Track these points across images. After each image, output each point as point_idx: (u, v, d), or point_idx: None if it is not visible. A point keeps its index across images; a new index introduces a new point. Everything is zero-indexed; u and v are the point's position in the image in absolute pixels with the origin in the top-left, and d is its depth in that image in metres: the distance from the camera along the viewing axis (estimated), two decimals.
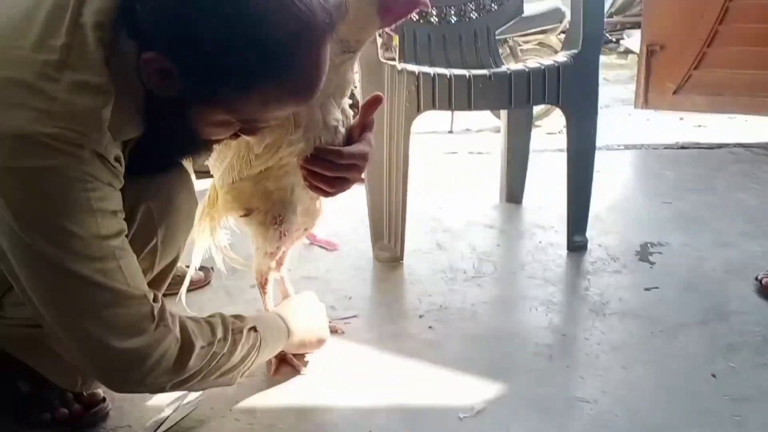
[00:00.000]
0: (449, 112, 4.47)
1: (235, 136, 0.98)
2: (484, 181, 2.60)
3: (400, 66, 1.72)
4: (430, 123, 5.57)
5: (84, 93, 0.81)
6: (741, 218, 2.11)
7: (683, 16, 3.47)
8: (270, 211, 1.22)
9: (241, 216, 1.25)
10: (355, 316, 1.55)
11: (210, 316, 1.07)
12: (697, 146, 3.07)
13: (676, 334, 1.42)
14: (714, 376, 1.27)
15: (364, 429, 1.13)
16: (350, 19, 1.09)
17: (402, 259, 1.88)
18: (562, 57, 1.77)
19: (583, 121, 1.82)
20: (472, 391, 1.24)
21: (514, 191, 2.36)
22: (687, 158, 2.85)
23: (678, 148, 3.06)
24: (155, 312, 0.92)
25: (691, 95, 3.54)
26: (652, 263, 1.80)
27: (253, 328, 1.10)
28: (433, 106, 1.73)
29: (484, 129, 4.10)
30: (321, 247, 2.00)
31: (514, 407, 1.19)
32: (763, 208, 2.20)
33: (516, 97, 1.73)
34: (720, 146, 3.05)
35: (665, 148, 3.08)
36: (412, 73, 1.70)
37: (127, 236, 0.92)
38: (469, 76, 1.70)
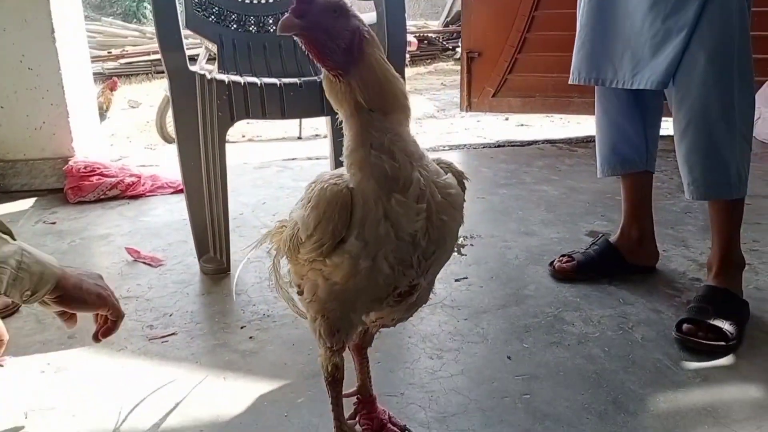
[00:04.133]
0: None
1: None
2: None
3: (209, 75, 1.70)
4: (280, 130, 5.56)
5: None
6: (543, 208, 2.34)
7: (496, 24, 3.77)
8: (317, 305, 0.97)
9: (297, 292, 1.06)
10: (173, 334, 1.52)
11: None
12: (512, 144, 3.34)
13: (479, 320, 1.54)
14: (509, 357, 1.39)
15: None
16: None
17: (229, 270, 1.86)
18: None
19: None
20: (286, 395, 1.27)
21: None
22: (502, 156, 3.09)
23: (495, 147, 3.30)
24: None
25: (507, 98, 3.86)
26: (463, 255, 1.93)
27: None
28: (247, 115, 1.73)
29: None
30: (144, 263, 1.93)
31: (323, 408, 1.21)
32: (561, 197, 2.45)
33: (328, 104, 1.77)
34: (531, 143, 3.35)
35: (484, 147, 3.32)
36: (222, 82, 1.69)
37: None
38: (280, 84, 1.72)
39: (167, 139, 4.74)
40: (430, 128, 4.95)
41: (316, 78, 1.80)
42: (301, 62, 2.19)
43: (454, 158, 3.17)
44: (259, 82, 1.71)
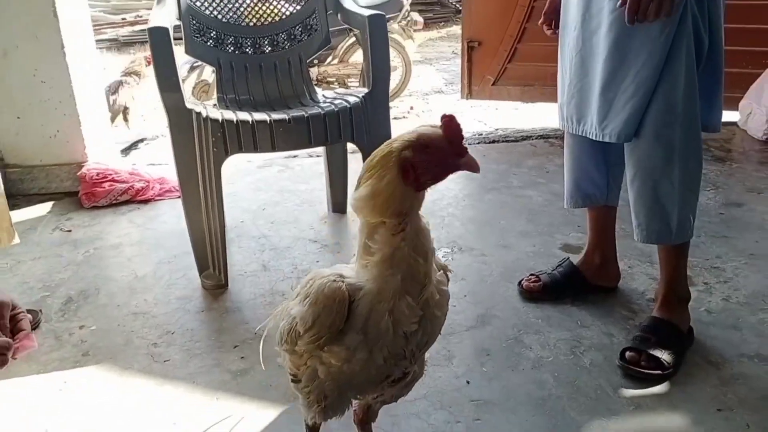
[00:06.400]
0: None
1: None
2: (316, 191, 2.79)
3: (204, 114, 1.84)
4: None
5: None
6: (524, 216, 2.48)
7: (497, 14, 3.82)
8: (317, 389, 1.07)
9: (291, 380, 1.13)
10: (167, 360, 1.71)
11: None
12: (506, 139, 3.45)
13: (447, 342, 1.71)
14: (468, 382, 1.57)
15: None
16: (379, 196, 0.93)
17: (227, 286, 2.04)
18: (353, 98, 1.98)
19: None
20: (272, 418, 1.46)
21: (338, 202, 2.58)
22: (495, 153, 3.21)
23: (489, 143, 3.41)
24: None
25: (507, 86, 3.94)
26: (450, 272, 2.09)
27: None
28: (240, 150, 1.88)
29: None
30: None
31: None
32: (544, 204, 2.59)
33: (315, 137, 1.92)
34: (525, 138, 3.45)
35: (479, 142, 3.42)
36: (216, 120, 1.84)
37: None
38: (270, 120, 1.87)
39: None
40: (435, 105, 5.01)
41: (303, 113, 1.93)
42: (295, 82, 2.32)
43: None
44: (250, 120, 1.85)
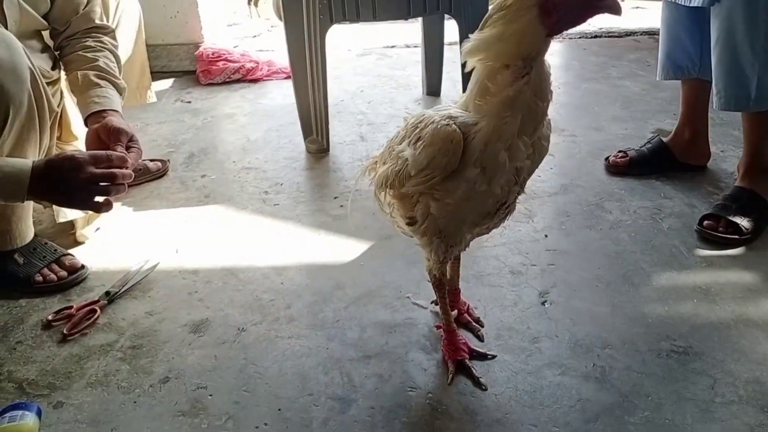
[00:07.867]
0: None
1: None
2: (412, 77, 2.89)
3: None
4: None
5: None
6: (619, 104, 2.48)
7: None
8: (432, 225, 1.10)
9: (407, 224, 1.15)
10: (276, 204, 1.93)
11: None
12: (609, 34, 3.36)
13: (529, 204, 1.82)
14: (546, 235, 1.68)
15: (277, 281, 1.54)
16: (511, 38, 0.93)
17: (328, 150, 2.22)
18: None
19: (474, 26, 2.10)
20: (364, 250, 1.65)
21: (433, 84, 2.68)
22: (596, 47, 3.15)
23: (590, 38, 3.34)
24: None
25: None
26: None
27: None
28: (344, 18, 2.00)
29: None
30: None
31: (390, 261, 1.60)
32: (641, 93, 2.56)
33: (414, 7, 2.01)
34: (629, 34, 3.35)
35: (580, 37, 3.36)
36: None
37: None
38: None
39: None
40: None
41: None
42: None
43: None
44: None
